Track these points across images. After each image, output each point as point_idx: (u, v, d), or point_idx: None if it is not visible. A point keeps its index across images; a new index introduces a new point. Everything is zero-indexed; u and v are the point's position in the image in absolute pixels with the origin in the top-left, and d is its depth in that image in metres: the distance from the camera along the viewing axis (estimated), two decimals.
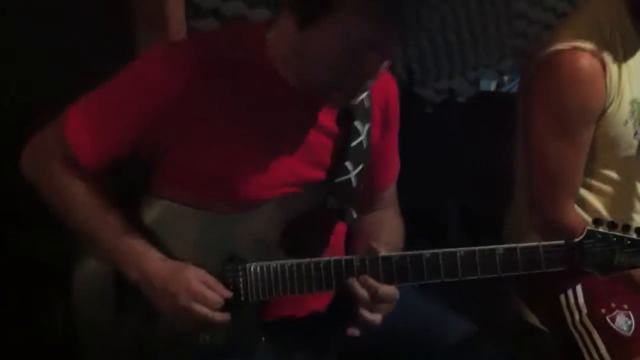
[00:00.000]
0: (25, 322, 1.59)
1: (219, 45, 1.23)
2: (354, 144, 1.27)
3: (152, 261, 1.21)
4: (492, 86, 2.16)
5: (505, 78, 2.24)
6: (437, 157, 1.99)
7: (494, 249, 1.21)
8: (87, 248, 1.28)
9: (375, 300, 1.21)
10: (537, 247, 1.20)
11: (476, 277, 1.21)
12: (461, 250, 1.21)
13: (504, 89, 2.18)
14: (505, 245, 1.21)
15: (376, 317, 1.21)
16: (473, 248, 1.21)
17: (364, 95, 1.26)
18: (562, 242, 1.20)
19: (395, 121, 1.38)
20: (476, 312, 1.65)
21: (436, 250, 1.22)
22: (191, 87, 1.18)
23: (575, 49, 1.47)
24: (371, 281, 1.20)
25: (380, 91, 1.32)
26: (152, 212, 1.27)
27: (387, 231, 1.39)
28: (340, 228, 1.37)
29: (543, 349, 1.68)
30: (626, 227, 1.20)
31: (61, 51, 1.63)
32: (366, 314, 1.21)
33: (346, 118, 1.26)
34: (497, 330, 1.68)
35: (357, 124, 1.27)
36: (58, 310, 1.30)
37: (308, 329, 1.34)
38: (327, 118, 1.26)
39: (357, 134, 1.27)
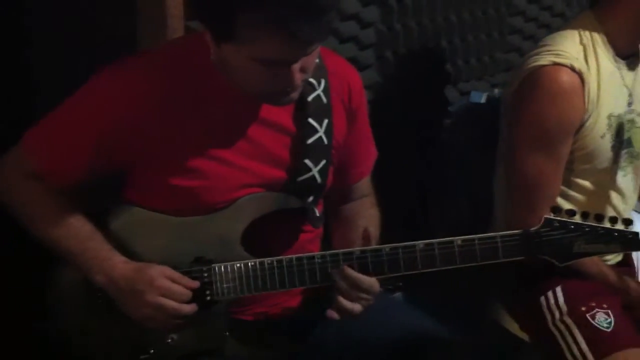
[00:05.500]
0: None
1: (168, 58, 1.26)
2: (311, 140, 1.28)
3: (116, 264, 1.24)
4: (483, 99, 2.17)
5: (496, 91, 2.25)
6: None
7: (452, 241, 1.22)
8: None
9: (355, 289, 1.22)
10: (495, 237, 1.20)
11: (435, 269, 1.22)
12: (420, 243, 1.22)
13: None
14: (464, 237, 1.21)
15: (355, 307, 1.23)
16: (432, 240, 1.22)
17: (319, 91, 1.29)
18: (520, 231, 1.20)
19: (362, 113, 1.39)
20: (456, 321, 1.65)
21: (396, 245, 1.23)
22: (145, 102, 1.21)
23: (556, 64, 1.53)
24: (350, 271, 1.22)
25: (341, 85, 1.34)
26: (121, 218, 1.30)
27: (364, 222, 1.40)
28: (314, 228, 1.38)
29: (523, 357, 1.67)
30: (585, 215, 1.19)
31: (64, 51, 1.66)
32: (345, 302, 1.22)
33: (301, 115, 1.28)
34: (477, 339, 1.67)
35: (312, 120, 1.28)
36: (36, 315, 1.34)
37: (280, 327, 1.35)
38: (283, 116, 1.28)
39: (314, 130, 1.29)
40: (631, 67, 1.64)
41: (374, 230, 1.39)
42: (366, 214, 1.44)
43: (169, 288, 1.22)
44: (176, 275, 1.23)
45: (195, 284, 1.23)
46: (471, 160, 1.90)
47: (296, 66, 1.14)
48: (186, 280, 1.23)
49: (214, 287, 1.25)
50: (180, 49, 1.28)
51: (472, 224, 1.37)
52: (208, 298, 1.25)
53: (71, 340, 1.31)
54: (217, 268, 1.25)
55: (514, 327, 1.70)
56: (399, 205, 1.50)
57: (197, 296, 1.24)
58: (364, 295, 1.23)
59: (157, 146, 1.23)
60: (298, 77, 1.15)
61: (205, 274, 1.25)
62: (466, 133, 1.95)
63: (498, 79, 2.39)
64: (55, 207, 1.27)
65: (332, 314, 1.24)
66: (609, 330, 1.51)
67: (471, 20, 2.27)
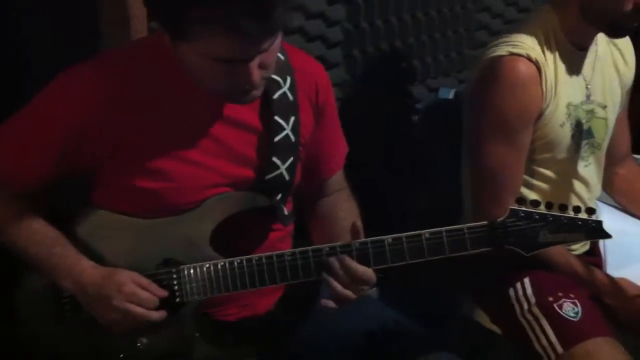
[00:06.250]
0: None
1: (130, 58, 1.25)
2: (277, 138, 1.28)
3: (83, 269, 1.23)
4: (451, 94, 2.19)
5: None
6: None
7: (420, 234, 1.22)
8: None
9: (349, 277, 1.22)
10: (462, 229, 1.21)
11: (405, 262, 1.23)
12: (389, 237, 1.23)
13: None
14: (431, 230, 1.22)
15: (348, 293, 1.23)
16: (400, 235, 1.23)
17: (285, 88, 1.29)
18: (486, 222, 1.21)
19: (330, 109, 1.40)
20: (428, 315, 1.67)
21: (364, 240, 1.24)
22: (106, 103, 1.20)
23: (512, 54, 1.55)
24: (349, 260, 1.22)
25: (308, 82, 1.34)
26: (87, 222, 1.28)
27: (343, 214, 1.41)
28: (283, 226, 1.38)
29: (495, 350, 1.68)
30: (549, 205, 1.21)
31: (27, 53, 1.64)
32: (343, 290, 1.22)
33: (267, 113, 1.28)
34: (450, 333, 1.69)
35: (278, 118, 1.28)
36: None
37: (252, 328, 1.35)
38: (248, 114, 1.28)
39: (281, 128, 1.28)
40: (587, 57, 1.67)
41: (359, 222, 1.39)
42: (345, 207, 1.44)
43: (136, 294, 1.21)
44: (145, 281, 1.23)
45: (163, 292, 1.23)
46: (441, 155, 1.91)
47: (253, 64, 1.13)
48: (154, 288, 1.23)
49: (183, 288, 1.25)
50: (142, 49, 1.27)
51: (443, 218, 1.38)
52: (177, 300, 1.25)
53: (39, 347, 1.30)
54: (185, 270, 1.25)
55: (486, 321, 1.71)
56: (368, 202, 1.51)
57: (166, 298, 1.23)
58: (359, 286, 1.23)
59: (120, 148, 1.22)
60: (256, 75, 1.15)
61: (174, 276, 1.25)
62: (435, 129, 1.97)
63: (466, 75, 2.40)
64: (18, 213, 1.26)
65: (328, 302, 1.24)
66: (576, 320, 1.52)
67: (438, 17, 2.28)
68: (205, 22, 1.07)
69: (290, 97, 1.30)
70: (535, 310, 1.57)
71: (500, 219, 1.20)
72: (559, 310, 1.54)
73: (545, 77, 1.56)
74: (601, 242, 1.74)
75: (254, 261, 1.24)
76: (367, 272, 1.23)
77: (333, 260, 1.22)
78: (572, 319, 1.53)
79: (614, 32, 1.64)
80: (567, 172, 1.68)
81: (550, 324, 1.53)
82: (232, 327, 1.34)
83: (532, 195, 1.63)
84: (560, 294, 1.56)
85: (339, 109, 1.46)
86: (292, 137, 1.30)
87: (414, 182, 1.97)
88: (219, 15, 1.06)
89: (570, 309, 1.54)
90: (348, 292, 1.23)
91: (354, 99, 2.05)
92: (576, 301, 1.56)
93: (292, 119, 1.30)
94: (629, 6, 1.53)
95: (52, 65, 1.27)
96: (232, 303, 1.32)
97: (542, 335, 1.53)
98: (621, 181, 1.88)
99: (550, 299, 1.56)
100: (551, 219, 1.19)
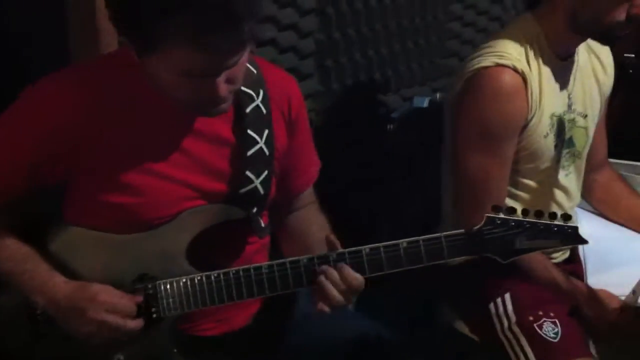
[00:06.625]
0: None
1: (100, 71, 1.24)
2: (251, 152, 1.27)
3: (56, 284, 1.22)
4: (425, 103, 2.20)
5: (438, 95, 2.28)
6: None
7: (397, 243, 1.22)
8: None
9: (346, 284, 1.21)
10: (439, 237, 1.21)
11: (383, 272, 1.22)
12: (366, 247, 1.22)
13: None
14: (409, 239, 1.22)
15: (342, 299, 1.22)
16: (378, 244, 1.22)
17: (258, 101, 1.28)
18: (463, 230, 1.21)
19: (303, 123, 1.39)
20: (407, 322, 1.66)
21: (342, 250, 1.23)
22: (76, 117, 1.19)
23: (498, 65, 1.55)
24: (347, 268, 1.21)
25: (280, 95, 1.33)
26: (60, 239, 1.26)
27: (316, 228, 1.41)
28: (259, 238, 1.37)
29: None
30: (525, 212, 1.21)
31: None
32: (338, 295, 1.21)
33: (240, 127, 1.27)
34: (428, 340, 1.68)
35: (251, 132, 1.27)
36: None
37: (230, 341, 1.34)
38: (221, 128, 1.27)
39: (254, 142, 1.27)
40: (570, 67, 1.68)
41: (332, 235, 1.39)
42: (317, 220, 1.43)
43: (112, 303, 1.19)
44: (119, 292, 1.21)
45: (139, 299, 1.21)
46: (416, 163, 1.92)
47: (220, 78, 1.13)
48: (129, 296, 1.21)
49: (160, 304, 1.23)
50: (111, 62, 1.26)
51: (420, 226, 1.37)
52: (154, 315, 1.23)
53: None
54: (162, 284, 1.23)
55: (466, 330, 1.71)
56: (344, 212, 1.50)
57: (142, 314, 1.22)
58: (350, 293, 1.23)
59: (91, 162, 1.21)
60: (224, 89, 1.14)
61: (150, 291, 1.23)
62: (410, 137, 1.97)
63: (440, 83, 2.42)
64: None
65: (323, 307, 1.23)
66: (555, 340, 1.53)
67: (410, 26, 2.30)
68: (172, 38, 1.06)
69: (264, 110, 1.29)
70: (516, 329, 1.57)
71: (477, 226, 1.20)
72: (539, 331, 1.54)
73: (531, 89, 1.56)
74: (580, 248, 1.75)
75: (231, 275, 1.23)
76: (360, 279, 1.23)
77: (331, 269, 1.21)
78: (552, 339, 1.53)
79: (604, 41, 1.65)
80: (549, 181, 1.69)
81: (530, 344, 1.54)
82: (210, 341, 1.32)
83: (510, 204, 1.61)
84: (540, 313, 1.57)
85: (312, 120, 1.46)
86: (266, 151, 1.29)
87: (388, 191, 1.97)
88: (187, 32, 1.05)
89: (550, 329, 1.54)
90: (342, 299, 1.22)
91: (327, 109, 2.05)
92: (556, 320, 1.56)
93: (266, 132, 1.29)
94: (621, 16, 1.53)
95: (19, 80, 1.25)
96: (209, 317, 1.31)
97: (522, 355, 1.54)
98: (599, 188, 1.89)
99: (531, 318, 1.56)
100: (528, 225, 1.20)
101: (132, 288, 1.23)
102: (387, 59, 2.23)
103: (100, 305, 1.19)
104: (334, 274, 1.21)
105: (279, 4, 1.87)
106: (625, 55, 2.64)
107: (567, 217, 1.23)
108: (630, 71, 2.66)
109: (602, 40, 1.65)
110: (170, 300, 1.23)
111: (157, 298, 1.23)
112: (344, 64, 2.09)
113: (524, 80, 1.55)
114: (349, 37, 2.08)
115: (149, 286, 1.23)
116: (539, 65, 1.59)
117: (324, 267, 1.22)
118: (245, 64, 1.18)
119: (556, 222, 1.21)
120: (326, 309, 1.23)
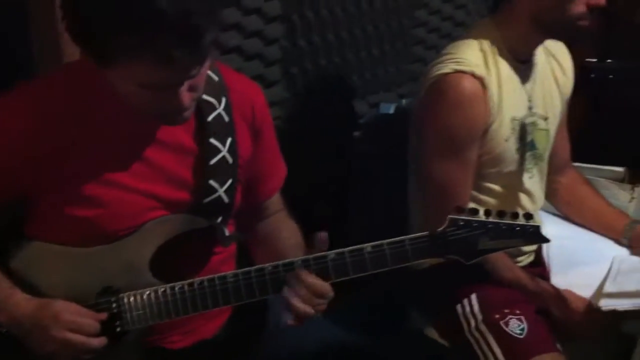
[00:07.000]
0: None
1: (59, 82, 1.23)
2: (214, 161, 1.26)
3: (17, 302, 1.19)
4: (392, 109, 2.21)
5: (404, 101, 2.29)
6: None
7: (362, 248, 1.22)
8: None
9: (309, 292, 1.20)
10: (403, 240, 1.21)
11: (348, 277, 1.22)
12: (331, 252, 1.22)
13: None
14: (373, 243, 1.22)
15: (308, 309, 1.20)
16: (343, 249, 1.22)
17: (220, 109, 1.27)
18: (427, 232, 1.21)
19: (268, 130, 1.38)
20: (377, 329, 1.66)
21: (307, 257, 1.23)
22: (35, 134, 1.17)
23: (458, 72, 1.57)
24: (306, 275, 1.20)
25: (244, 103, 1.32)
26: (21, 255, 1.24)
27: (286, 234, 1.40)
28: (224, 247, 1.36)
29: None
30: (488, 212, 1.22)
31: None
32: (303, 307, 1.20)
33: (202, 135, 1.26)
34: (398, 346, 1.68)
35: (214, 140, 1.26)
36: None
37: (198, 353, 1.32)
38: (183, 137, 1.25)
39: (217, 150, 1.26)
40: (529, 70, 1.69)
41: (298, 241, 1.39)
42: (287, 227, 1.43)
43: (75, 322, 1.17)
44: (82, 309, 1.19)
45: (102, 316, 1.20)
46: (383, 170, 1.92)
47: (183, 88, 1.12)
48: (92, 314, 1.19)
49: (124, 317, 1.21)
50: (72, 73, 1.24)
51: (387, 233, 1.38)
52: (118, 329, 1.21)
53: None
54: (125, 297, 1.22)
55: (436, 335, 1.71)
56: (310, 219, 1.50)
57: (106, 328, 1.20)
58: (320, 300, 1.22)
59: (50, 175, 1.19)
60: (186, 98, 1.13)
61: (114, 304, 1.21)
62: (377, 143, 1.98)
63: (405, 89, 2.43)
64: None
65: (292, 321, 1.22)
66: (522, 336, 1.54)
67: (375, 33, 2.31)
68: (130, 51, 1.05)
69: (226, 118, 1.28)
70: (482, 327, 1.58)
71: (440, 228, 1.21)
72: (505, 328, 1.55)
73: (490, 93, 1.58)
74: (545, 251, 1.75)
75: (195, 285, 1.22)
76: (325, 285, 1.21)
77: (291, 275, 1.20)
78: (518, 335, 1.54)
79: (569, 37, 1.68)
80: (513, 185, 1.70)
81: (497, 341, 1.54)
82: (179, 353, 1.31)
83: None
84: (506, 311, 1.57)
85: (279, 127, 1.45)
86: (230, 159, 1.28)
87: (355, 198, 1.98)
88: (146, 45, 1.04)
89: (516, 325, 1.55)
90: (308, 308, 1.21)
91: (294, 116, 2.04)
92: (522, 317, 1.57)
93: (229, 140, 1.28)
94: (581, 8, 1.56)
95: None
96: (177, 329, 1.29)
97: (490, 353, 1.54)
98: (563, 190, 1.91)
99: (497, 315, 1.57)
100: (490, 225, 1.20)
101: (96, 302, 1.21)
102: (353, 65, 2.24)
103: (63, 325, 1.17)
104: (293, 280, 1.20)
105: (243, 11, 1.86)
106: (586, 60, 2.68)
107: (529, 216, 1.24)
108: (592, 75, 2.71)
109: (567, 37, 1.67)
110: (135, 313, 1.21)
111: (121, 311, 1.21)
112: (310, 71, 2.09)
113: (483, 85, 1.57)
114: (314, 44, 2.09)
115: (112, 299, 1.21)
116: (497, 69, 1.61)
117: (288, 274, 1.20)
118: (207, 71, 1.18)
119: (518, 222, 1.22)
120: (294, 322, 1.22)
